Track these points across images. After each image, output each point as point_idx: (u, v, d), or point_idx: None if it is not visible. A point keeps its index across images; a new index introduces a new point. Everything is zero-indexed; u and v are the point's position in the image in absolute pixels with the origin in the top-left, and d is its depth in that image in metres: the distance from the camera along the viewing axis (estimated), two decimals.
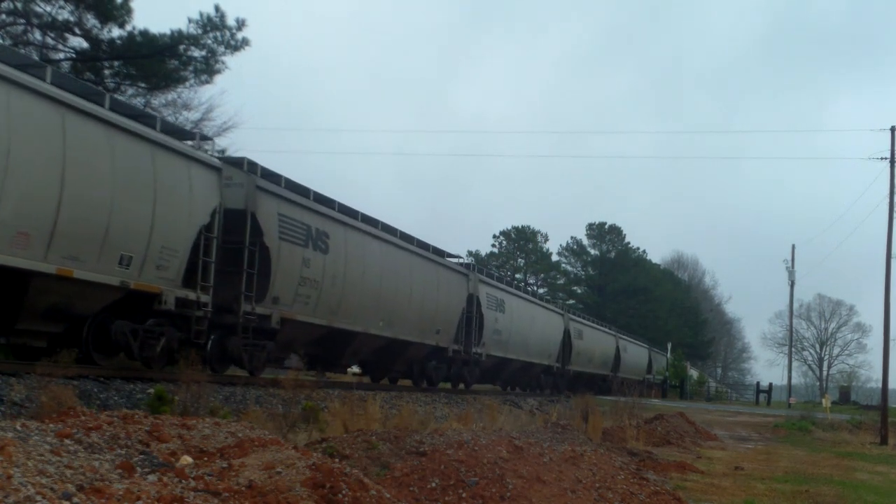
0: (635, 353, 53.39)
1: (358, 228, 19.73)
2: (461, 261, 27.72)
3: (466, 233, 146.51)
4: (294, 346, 18.31)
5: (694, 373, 69.10)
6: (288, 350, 18.36)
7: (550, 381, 36.84)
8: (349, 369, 24.27)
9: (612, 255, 79.36)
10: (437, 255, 25.04)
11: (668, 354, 61.16)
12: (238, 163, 16.21)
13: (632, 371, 50.09)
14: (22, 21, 22.98)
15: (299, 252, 17.13)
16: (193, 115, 27.86)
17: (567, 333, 37.33)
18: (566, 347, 37.00)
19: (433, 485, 7.53)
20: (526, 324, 32.14)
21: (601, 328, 45.78)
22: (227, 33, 23.57)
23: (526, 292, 36.97)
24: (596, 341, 43.02)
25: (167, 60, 23.57)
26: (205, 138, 16.34)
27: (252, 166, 16.29)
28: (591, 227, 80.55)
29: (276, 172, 17.22)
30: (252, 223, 15.77)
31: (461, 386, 27.35)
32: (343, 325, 18.94)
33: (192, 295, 14.26)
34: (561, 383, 37.29)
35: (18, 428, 5.92)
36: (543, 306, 36.84)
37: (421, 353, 23.86)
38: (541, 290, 71.36)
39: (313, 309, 17.80)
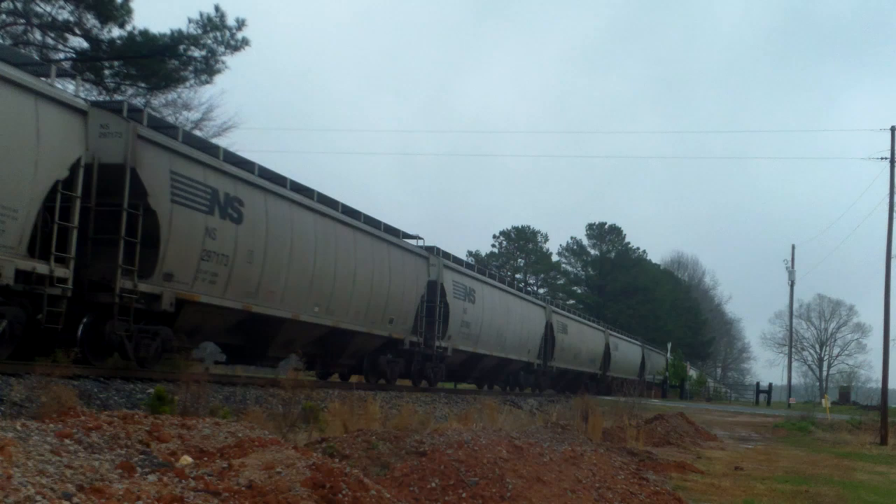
0: (627, 351, 51.78)
1: (284, 197, 16.92)
2: (421, 242, 24.06)
3: (466, 233, 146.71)
4: (204, 333, 15.94)
5: (694, 373, 69.11)
6: (197, 339, 15.93)
7: (531, 379, 34.19)
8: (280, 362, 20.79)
9: (612, 255, 79.38)
10: (391, 233, 21.78)
11: (668, 354, 61.18)
12: (116, 108, 13.45)
13: (623, 370, 48.46)
14: (22, 21, 23.01)
15: (201, 219, 14.29)
16: (193, 115, 27.92)
17: (549, 327, 34.69)
18: (548, 343, 34.78)
19: (433, 485, 7.53)
20: (501, 316, 29.28)
21: (589, 323, 43.53)
22: (227, 33, 23.62)
23: (501, 280, 32.96)
24: (582, 337, 40.49)
25: (167, 60, 23.59)
26: (66, 74, 14.11)
27: (135, 113, 13.66)
28: (591, 227, 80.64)
29: (171, 124, 14.98)
30: (133, 181, 12.92)
31: (423, 383, 24.20)
32: (265, 309, 16.10)
33: (41, 268, 11.56)
34: (543, 381, 35.08)
35: (18, 428, 5.92)
36: (522, 297, 33.83)
37: (371, 345, 21.08)
38: (541, 290, 71.40)
39: (223, 289, 14.91)
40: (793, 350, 71.92)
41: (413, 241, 23.38)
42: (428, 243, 24.30)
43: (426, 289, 23.51)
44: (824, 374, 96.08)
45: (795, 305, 65.25)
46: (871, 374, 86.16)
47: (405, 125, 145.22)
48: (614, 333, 48.47)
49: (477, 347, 27.59)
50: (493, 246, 77.47)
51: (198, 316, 14.91)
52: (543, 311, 35.00)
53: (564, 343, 37.04)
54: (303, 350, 16.63)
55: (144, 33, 22.91)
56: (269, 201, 16.30)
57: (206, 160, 14.73)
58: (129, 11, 22.56)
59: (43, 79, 12.07)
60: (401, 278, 21.75)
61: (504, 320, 29.49)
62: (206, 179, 14.54)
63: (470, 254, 73.39)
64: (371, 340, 20.91)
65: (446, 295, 24.64)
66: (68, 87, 13.63)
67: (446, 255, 25.24)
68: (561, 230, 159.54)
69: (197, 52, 23.72)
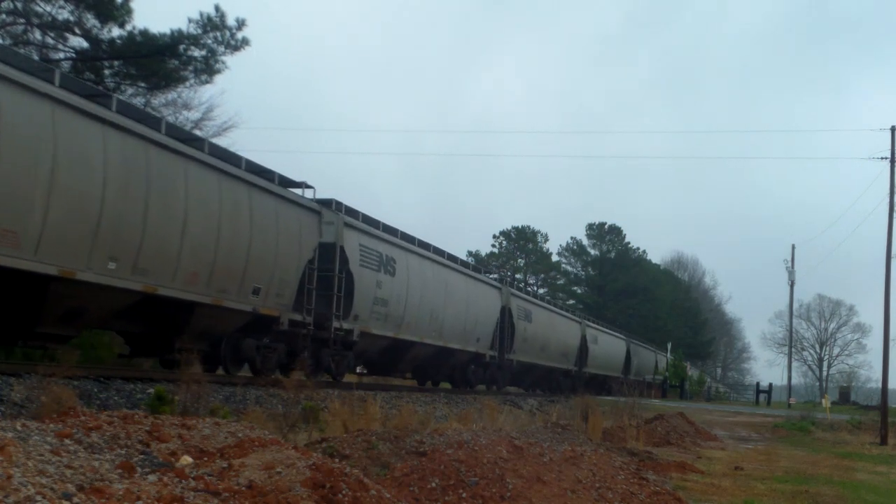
0: (608, 345, 46.70)
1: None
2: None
3: (467, 233, 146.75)
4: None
5: (694, 373, 69.13)
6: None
7: (484, 374, 35.11)
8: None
9: (612, 255, 79.39)
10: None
11: (668, 354, 61.19)
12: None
13: (604, 366, 44.95)
14: (22, 21, 22.99)
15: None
16: (193, 115, 27.91)
17: (507, 313, 31.15)
18: (506, 331, 30.94)
19: (433, 485, 7.53)
20: (436, 294, 29.74)
21: (560, 311, 40.17)
22: (227, 33, 23.58)
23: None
24: (552, 327, 36.67)
25: (167, 60, 23.57)
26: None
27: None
28: (591, 227, 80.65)
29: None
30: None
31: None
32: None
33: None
34: (500, 377, 32.47)
35: (18, 428, 5.92)
36: (469, 275, 33.53)
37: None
38: (541, 290, 71.38)
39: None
40: (793, 350, 71.97)
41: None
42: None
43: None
44: (824, 374, 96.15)
45: (795, 305, 65.29)
46: (871, 374, 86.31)
47: (407, 125, 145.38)
48: (593, 325, 44.11)
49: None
50: (493, 246, 77.54)
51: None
52: (499, 292, 29.96)
53: (527, 333, 32.12)
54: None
55: (144, 33, 22.89)
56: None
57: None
58: (129, 11, 22.53)
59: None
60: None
61: (442, 301, 24.54)
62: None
63: (470, 253, 73.44)
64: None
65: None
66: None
67: (352, 213, 20.17)
68: (561, 230, 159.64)
69: (197, 52, 23.70)
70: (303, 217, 17.81)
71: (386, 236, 21.58)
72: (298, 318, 17.49)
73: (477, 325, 27.02)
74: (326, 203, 19.04)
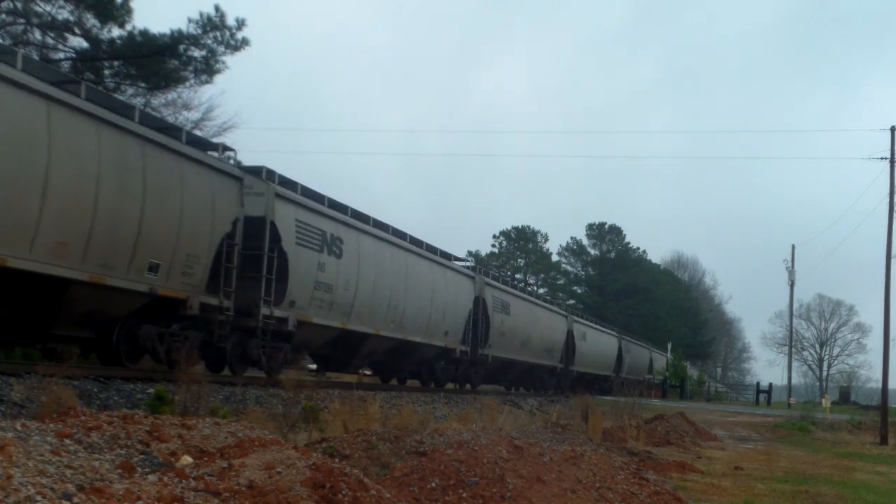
0: (598, 342, 44.27)
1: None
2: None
3: (467, 233, 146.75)
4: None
5: (694, 373, 69.14)
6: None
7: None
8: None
9: (612, 255, 79.43)
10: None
11: (668, 354, 61.20)
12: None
13: (592, 364, 42.78)
14: (22, 21, 22.99)
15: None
16: (193, 115, 27.89)
17: (481, 304, 28.45)
18: (480, 325, 28.12)
19: (433, 485, 7.53)
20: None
21: (543, 304, 37.80)
22: (227, 33, 23.57)
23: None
24: (534, 321, 34.23)
25: (167, 60, 23.57)
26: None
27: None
28: (591, 227, 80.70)
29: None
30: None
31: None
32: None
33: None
34: (473, 374, 29.73)
35: (19, 428, 5.93)
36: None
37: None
38: (541, 290, 71.38)
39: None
40: (793, 350, 71.99)
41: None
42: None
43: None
44: (824, 374, 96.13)
45: (795, 305, 65.30)
46: (871, 374, 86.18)
47: (408, 124, 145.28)
48: (581, 320, 41.66)
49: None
50: (493, 246, 77.59)
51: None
52: (472, 281, 27.33)
53: (505, 326, 29.50)
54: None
55: (144, 33, 22.88)
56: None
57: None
58: (129, 11, 22.53)
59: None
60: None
61: (402, 288, 21.78)
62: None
63: (470, 254, 73.43)
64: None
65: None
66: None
67: (288, 184, 17.72)
68: (561, 230, 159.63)
69: (197, 52, 23.70)
70: (217, 183, 15.05)
71: (331, 212, 18.59)
72: (214, 301, 14.85)
73: (445, 317, 23.93)
74: (254, 171, 16.44)
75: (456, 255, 26.82)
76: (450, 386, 26.16)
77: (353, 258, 19.00)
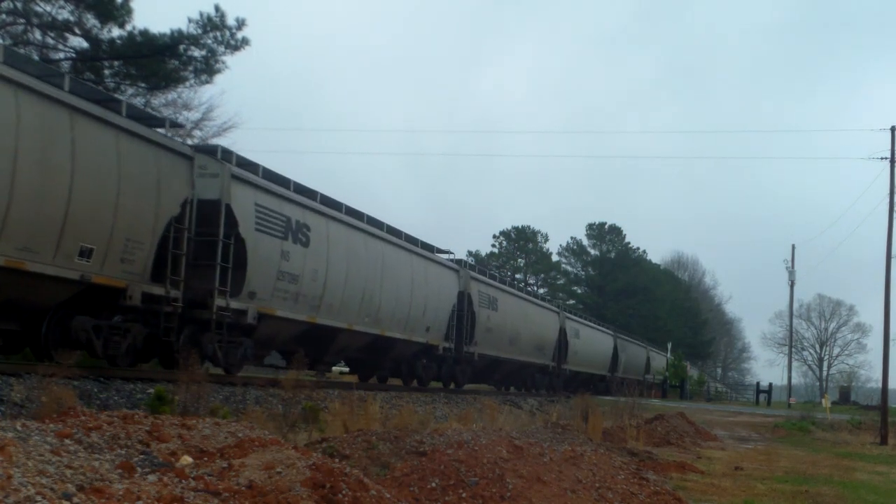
0: (593, 340, 43.18)
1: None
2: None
3: (467, 233, 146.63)
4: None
5: (694, 373, 69.13)
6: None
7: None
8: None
9: (612, 255, 79.43)
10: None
11: (668, 354, 61.19)
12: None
13: (587, 363, 41.88)
14: (22, 21, 23.00)
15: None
16: (193, 115, 27.89)
17: (466, 300, 27.15)
18: (466, 321, 26.85)
19: (433, 485, 7.53)
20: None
21: (535, 300, 36.80)
22: (227, 33, 23.58)
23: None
24: (524, 317, 33.02)
25: (167, 60, 23.58)
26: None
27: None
28: (591, 227, 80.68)
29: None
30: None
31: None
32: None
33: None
34: (459, 372, 28.21)
35: (19, 428, 5.93)
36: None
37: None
38: (541, 290, 71.39)
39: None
40: (793, 350, 71.97)
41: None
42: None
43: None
44: (824, 373, 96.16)
45: (795, 305, 65.29)
46: (871, 374, 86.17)
47: (408, 124, 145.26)
48: (574, 317, 40.67)
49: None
50: (493, 246, 77.59)
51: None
52: (456, 275, 25.94)
53: (492, 322, 28.30)
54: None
55: (144, 33, 22.89)
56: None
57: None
58: (129, 11, 22.54)
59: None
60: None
61: (378, 280, 20.57)
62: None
63: (470, 254, 73.45)
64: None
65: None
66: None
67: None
68: (561, 230, 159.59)
69: (197, 52, 23.71)
70: (164, 161, 13.68)
71: (297, 197, 17.25)
72: (159, 291, 13.57)
73: (426, 312, 22.61)
74: (208, 150, 15.33)
75: (446, 249, 25.62)
76: (437, 385, 25.05)
77: (321, 247, 17.56)
